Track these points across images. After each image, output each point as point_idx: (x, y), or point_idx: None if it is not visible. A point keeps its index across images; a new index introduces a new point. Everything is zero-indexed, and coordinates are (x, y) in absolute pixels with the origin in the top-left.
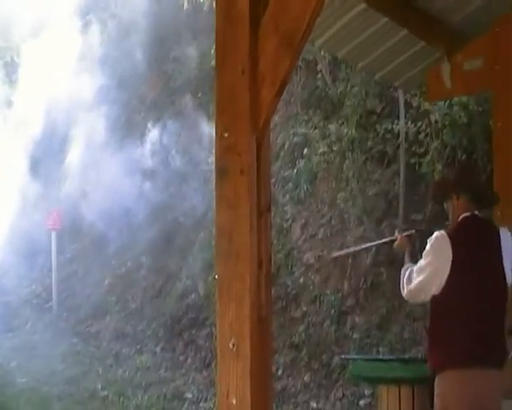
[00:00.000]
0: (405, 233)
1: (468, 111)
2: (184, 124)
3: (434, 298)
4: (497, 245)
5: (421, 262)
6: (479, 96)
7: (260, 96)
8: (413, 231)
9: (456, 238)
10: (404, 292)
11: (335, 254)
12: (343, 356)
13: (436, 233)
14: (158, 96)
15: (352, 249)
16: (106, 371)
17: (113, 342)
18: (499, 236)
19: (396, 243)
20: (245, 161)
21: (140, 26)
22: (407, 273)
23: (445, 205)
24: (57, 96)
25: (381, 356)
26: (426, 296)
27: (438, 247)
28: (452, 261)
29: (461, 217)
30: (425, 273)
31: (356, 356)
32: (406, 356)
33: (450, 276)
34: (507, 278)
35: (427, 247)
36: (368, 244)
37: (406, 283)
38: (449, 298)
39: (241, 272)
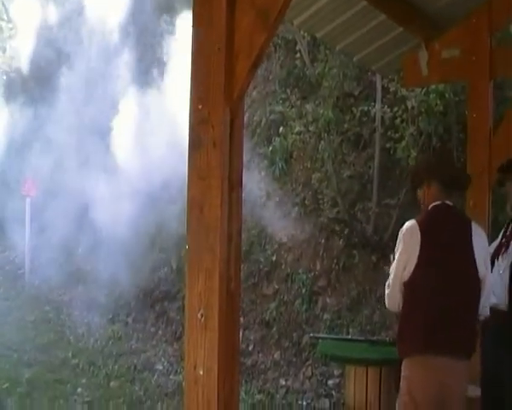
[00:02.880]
0: None
1: (445, 99)
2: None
3: (405, 284)
4: (468, 235)
5: (394, 262)
6: (455, 86)
7: (235, 70)
8: None
9: (424, 226)
10: (386, 300)
11: None
12: (312, 335)
13: (406, 224)
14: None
15: None
16: (77, 340)
17: (85, 310)
18: (470, 227)
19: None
20: (218, 133)
21: None
22: (387, 282)
23: (418, 192)
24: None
25: (349, 337)
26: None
27: (407, 237)
28: (420, 248)
29: (431, 205)
30: (395, 269)
31: (325, 335)
32: (374, 338)
33: (418, 262)
34: (479, 269)
35: (398, 239)
36: None
37: (386, 288)
38: (417, 284)
39: (211, 244)
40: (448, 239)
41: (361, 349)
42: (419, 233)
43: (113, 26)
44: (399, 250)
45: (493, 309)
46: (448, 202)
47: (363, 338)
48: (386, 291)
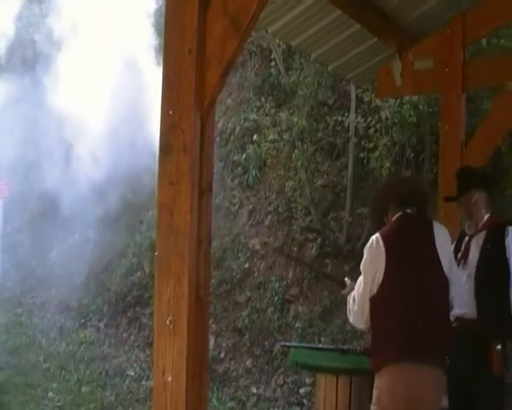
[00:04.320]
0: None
1: (418, 111)
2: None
3: (372, 299)
4: (431, 236)
5: (360, 277)
6: (429, 97)
7: (206, 76)
8: None
9: (387, 236)
10: (351, 317)
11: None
12: (283, 343)
13: (371, 238)
14: None
15: (302, 261)
16: (49, 344)
17: (58, 314)
18: (432, 227)
19: (345, 291)
20: (188, 138)
21: None
22: (351, 298)
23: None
24: None
25: (320, 345)
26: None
27: (372, 249)
28: (386, 258)
29: (393, 218)
30: (363, 284)
31: (295, 344)
32: (345, 347)
33: (385, 273)
34: (445, 268)
35: (364, 255)
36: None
37: (351, 304)
38: (386, 295)
39: (180, 249)
40: (411, 245)
41: (332, 358)
42: (382, 244)
43: (87, 22)
44: (366, 264)
45: (460, 319)
46: (408, 210)
47: (333, 347)
48: (355, 308)
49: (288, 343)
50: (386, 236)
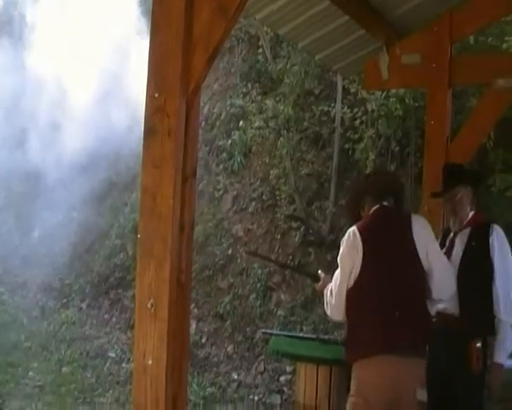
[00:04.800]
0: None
1: (405, 104)
2: None
3: (349, 292)
4: (408, 229)
5: (337, 270)
6: (415, 91)
7: (193, 61)
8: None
9: (364, 229)
10: (328, 309)
11: (250, 251)
12: (263, 331)
13: (348, 230)
14: None
15: (269, 259)
16: (30, 323)
17: (40, 294)
18: (410, 220)
19: (320, 285)
20: (173, 122)
21: None
22: (328, 291)
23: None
24: None
25: (301, 334)
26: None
27: (349, 242)
28: (363, 251)
29: (370, 210)
30: (341, 277)
31: (276, 332)
32: (326, 337)
33: (362, 265)
34: (423, 262)
35: (341, 248)
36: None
37: (329, 297)
38: (363, 287)
39: (162, 233)
40: (388, 237)
41: (312, 348)
42: (359, 236)
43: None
44: (343, 257)
45: (442, 314)
46: (385, 203)
47: (314, 337)
48: (332, 301)
49: (268, 331)
50: (362, 228)
